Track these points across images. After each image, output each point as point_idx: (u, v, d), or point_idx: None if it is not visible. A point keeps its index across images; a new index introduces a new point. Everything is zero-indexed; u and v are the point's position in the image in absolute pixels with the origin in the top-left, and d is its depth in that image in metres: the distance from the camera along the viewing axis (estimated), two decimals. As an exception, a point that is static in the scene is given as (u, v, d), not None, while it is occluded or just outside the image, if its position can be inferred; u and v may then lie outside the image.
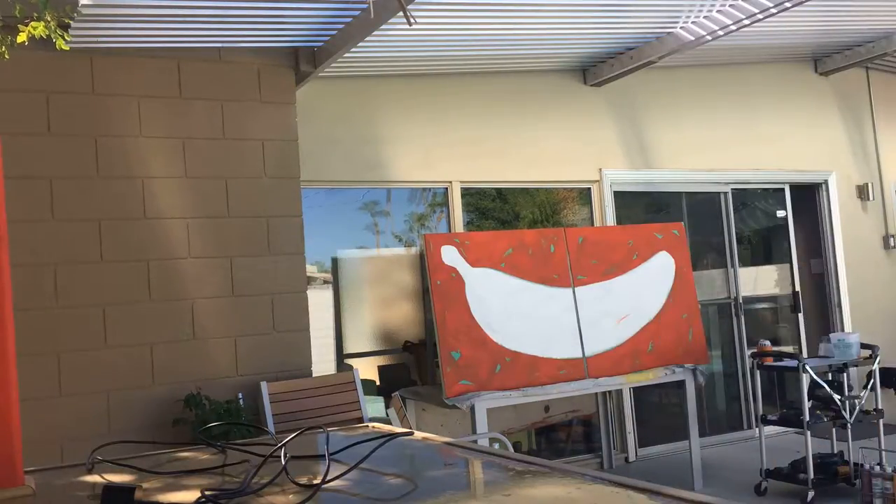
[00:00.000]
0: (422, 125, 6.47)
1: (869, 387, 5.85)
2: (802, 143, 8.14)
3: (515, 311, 5.66)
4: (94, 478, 1.62)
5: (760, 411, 6.12)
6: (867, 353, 5.92)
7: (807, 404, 5.69)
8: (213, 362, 5.15)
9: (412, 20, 3.99)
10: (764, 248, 8.56)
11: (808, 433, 5.64)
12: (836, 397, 5.77)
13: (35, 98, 4.81)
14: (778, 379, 7.73)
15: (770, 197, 8.33)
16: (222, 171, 5.27)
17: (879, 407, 5.89)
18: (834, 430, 6.04)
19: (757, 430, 6.37)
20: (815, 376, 5.71)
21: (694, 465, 6.10)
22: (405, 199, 6.68)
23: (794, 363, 5.84)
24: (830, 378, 5.95)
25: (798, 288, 8.19)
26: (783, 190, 8.19)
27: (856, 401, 5.77)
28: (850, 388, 6.22)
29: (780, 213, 8.30)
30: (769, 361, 6.11)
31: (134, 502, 1.31)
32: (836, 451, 6.06)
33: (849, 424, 5.75)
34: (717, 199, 7.82)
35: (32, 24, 3.23)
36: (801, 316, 8.16)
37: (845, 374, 6.00)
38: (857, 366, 6.11)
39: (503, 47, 6.23)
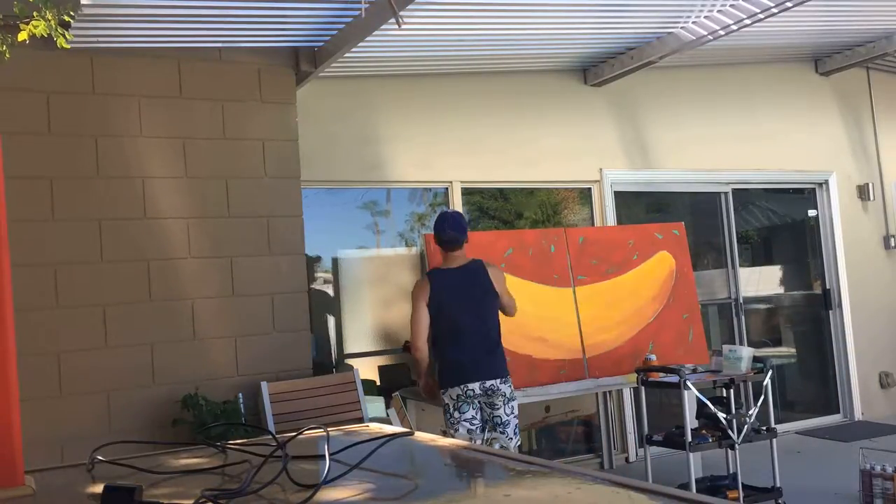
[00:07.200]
0: (422, 125, 6.47)
1: (758, 404, 5.31)
2: (802, 143, 8.14)
3: (515, 311, 5.65)
4: (95, 478, 1.62)
5: (646, 430, 5.65)
6: (759, 366, 5.40)
7: (689, 424, 5.16)
8: (213, 362, 5.14)
9: (401, 22, 4.02)
10: (777, 248, 8.61)
11: (691, 455, 5.13)
12: (722, 416, 5.24)
13: (35, 98, 4.81)
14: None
15: (794, 197, 8.41)
16: (222, 171, 5.26)
17: (773, 426, 5.44)
18: (730, 451, 5.40)
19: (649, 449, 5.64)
20: (697, 393, 5.20)
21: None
22: (405, 199, 6.67)
23: (675, 379, 5.25)
24: (724, 395, 5.43)
25: (829, 285, 8.26)
26: (814, 189, 8.33)
27: (745, 419, 5.24)
28: (741, 406, 5.69)
29: (812, 213, 8.39)
30: (655, 377, 5.52)
31: (134, 502, 1.31)
32: (728, 473, 5.54)
33: (737, 445, 5.23)
34: (717, 199, 7.83)
35: (33, 22, 3.23)
36: (831, 313, 8.24)
37: (732, 390, 5.40)
38: (745, 381, 5.60)
39: (503, 47, 6.23)
